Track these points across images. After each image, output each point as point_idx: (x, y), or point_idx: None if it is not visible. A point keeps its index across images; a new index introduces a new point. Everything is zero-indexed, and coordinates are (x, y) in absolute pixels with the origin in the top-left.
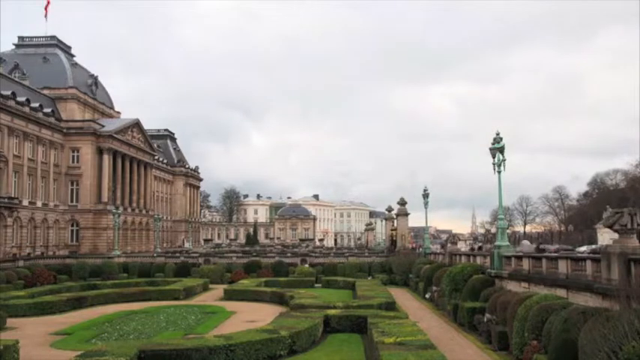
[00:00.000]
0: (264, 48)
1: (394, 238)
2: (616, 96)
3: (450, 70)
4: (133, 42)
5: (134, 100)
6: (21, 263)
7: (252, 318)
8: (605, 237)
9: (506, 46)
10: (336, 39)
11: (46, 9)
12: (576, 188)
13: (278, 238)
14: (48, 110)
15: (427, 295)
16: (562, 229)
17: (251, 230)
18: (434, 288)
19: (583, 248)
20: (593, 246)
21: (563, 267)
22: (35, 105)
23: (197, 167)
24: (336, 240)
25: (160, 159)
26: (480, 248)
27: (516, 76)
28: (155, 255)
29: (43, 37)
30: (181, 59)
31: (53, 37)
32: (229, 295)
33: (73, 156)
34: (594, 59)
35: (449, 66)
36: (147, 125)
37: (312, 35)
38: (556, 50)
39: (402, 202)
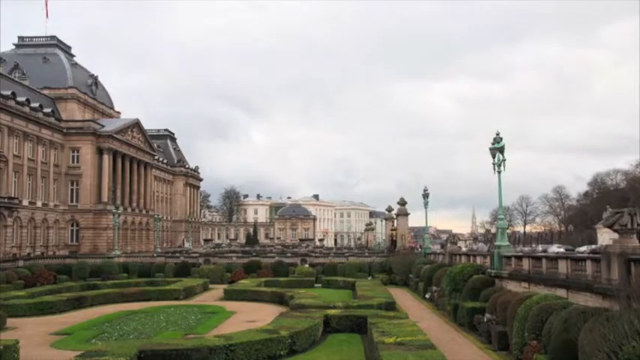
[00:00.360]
0: (264, 46)
1: (394, 238)
2: (619, 94)
3: (452, 68)
4: (132, 41)
5: (134, 99)
6: (21, 263)
7: (252, 318)
8: (605, 237)
9: (510, 43)
10: (337, 37)
11: (46, 7)
12: (576, 188)
13: (278, 238)
14: (48, 110)
15: (427, 295)
16: (562, 229)
17: (251, 230)
18: (434, 288)
19: (583, 248)
20: (593, 246)
21: (563, 267)
22: (35, 105)
23: (197, 167)
24: (336, 240)
25: (160, 159)
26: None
27: (519, 74)
28: (155, 255)
29: (43, 37)
30: (181, 58)
31: (53, 37)
32: (229, 295)
33: (73, 156)
34: (597, 57)
35: (451, 63)
36: (147, 125)
37: (313, 34)
38: (559, 48)
39: (402, 202)
